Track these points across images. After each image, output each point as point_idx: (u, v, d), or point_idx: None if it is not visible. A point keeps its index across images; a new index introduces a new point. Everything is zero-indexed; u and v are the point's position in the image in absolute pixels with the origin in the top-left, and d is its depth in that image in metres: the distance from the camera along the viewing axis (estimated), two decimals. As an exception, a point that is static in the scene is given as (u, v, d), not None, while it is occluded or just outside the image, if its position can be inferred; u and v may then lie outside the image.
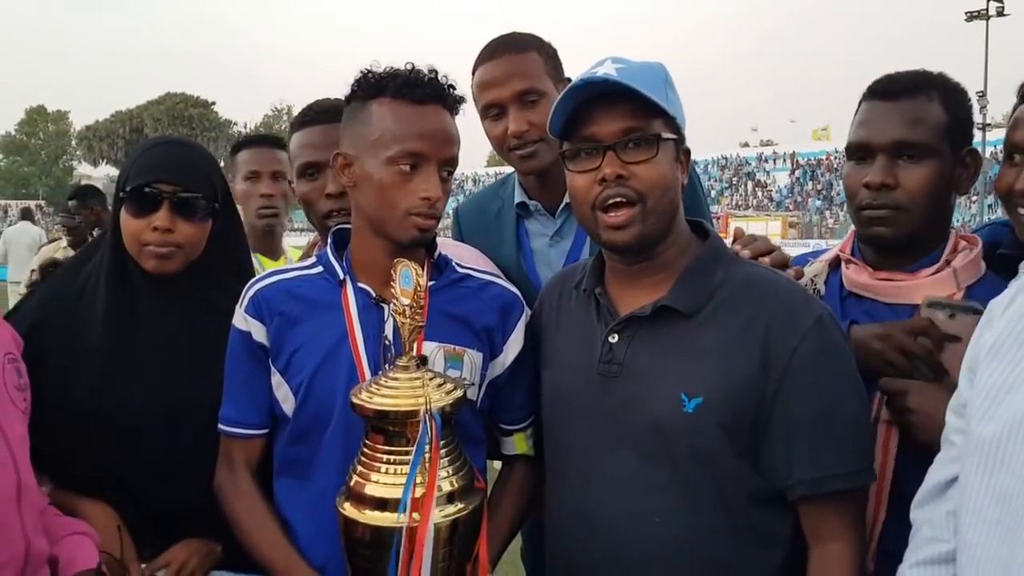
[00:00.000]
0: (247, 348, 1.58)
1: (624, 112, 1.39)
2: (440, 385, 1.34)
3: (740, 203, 52.80)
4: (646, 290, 1.47)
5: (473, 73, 2.09)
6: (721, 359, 1.38)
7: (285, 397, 1.55)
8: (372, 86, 1.52)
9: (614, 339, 1.46)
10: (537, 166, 2.05)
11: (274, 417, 1.60)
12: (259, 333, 1.57)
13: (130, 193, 1.69)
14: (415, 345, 1.38)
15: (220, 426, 1.61)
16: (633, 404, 1.42)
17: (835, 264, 1.77)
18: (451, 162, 1.53)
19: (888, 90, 1.63)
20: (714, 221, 2.05)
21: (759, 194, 54.49)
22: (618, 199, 1.40)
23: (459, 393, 1.35)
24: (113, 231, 1.76)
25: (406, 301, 1.31)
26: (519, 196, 2.17)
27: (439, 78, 1.53)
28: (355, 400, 1.34)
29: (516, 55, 2.04)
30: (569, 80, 1.82)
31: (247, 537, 1.55)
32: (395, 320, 1.37)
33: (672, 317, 1.43)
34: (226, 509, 1.59)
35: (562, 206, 2.09)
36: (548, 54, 2.08)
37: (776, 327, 1.37)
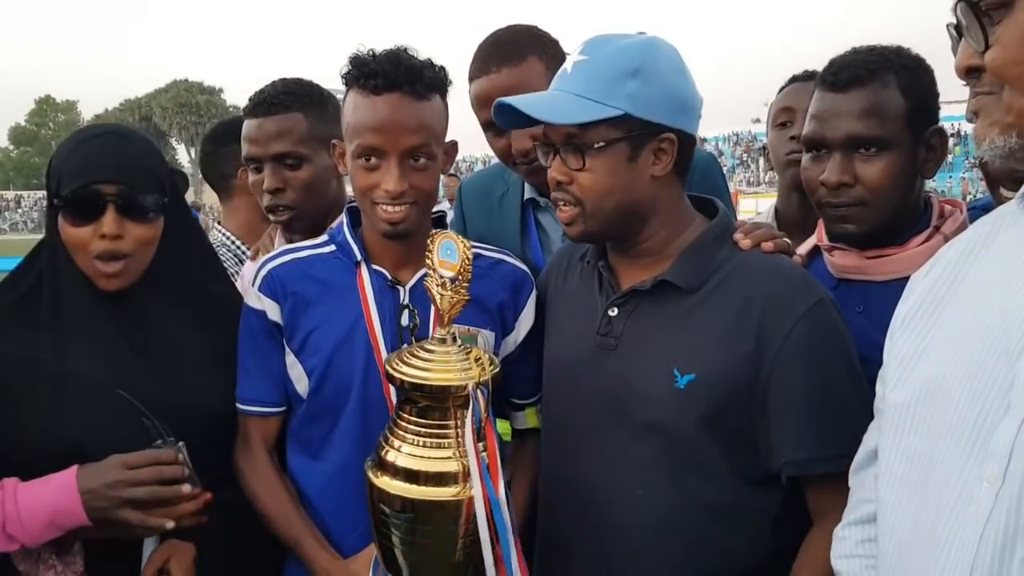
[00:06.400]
0: (262, 327, 1.58)
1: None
2: (478, 360, 1.31)
3: (752, 180, 52.32)
4: (647, 267, 1.46)
5: (469, 79, 1.87)
6: (716, 337, 1.37)
7: (299, 378, 1.55)
8: (345, 75, 1.51)
9: (614, 312, 1.46)
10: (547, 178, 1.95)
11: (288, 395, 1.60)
12: (274, 312, 1.56)
13: (68, 198, 1.46)
14: (452, 320, 1.34)
15: (237, 405, 1.61)
16: (626, 377, 1.42)
17: (812, 255, 1.71)
18: (420, 149, 1.47)
19: (838, 80, 1.53)
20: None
21: (771, 171, 53.94)
22: (560, 203, 1.43)
23: (498, 367, 1.34)
24: (51, 243, 1.52)
25: (449, 274, 1.27)
26: (528, 192, 2.04)
27: (404, 62, 1.46)
28: (392, 372, 1.28)
29: (513, 67, 1.80)
30: None
31: (264, 512, 1.56)
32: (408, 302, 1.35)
33: (671, 293, 1.42)
34: (244, 487, 1.59)
35: None
36: (548, 53, 1.85)
37: (773, 309, 1.35)
